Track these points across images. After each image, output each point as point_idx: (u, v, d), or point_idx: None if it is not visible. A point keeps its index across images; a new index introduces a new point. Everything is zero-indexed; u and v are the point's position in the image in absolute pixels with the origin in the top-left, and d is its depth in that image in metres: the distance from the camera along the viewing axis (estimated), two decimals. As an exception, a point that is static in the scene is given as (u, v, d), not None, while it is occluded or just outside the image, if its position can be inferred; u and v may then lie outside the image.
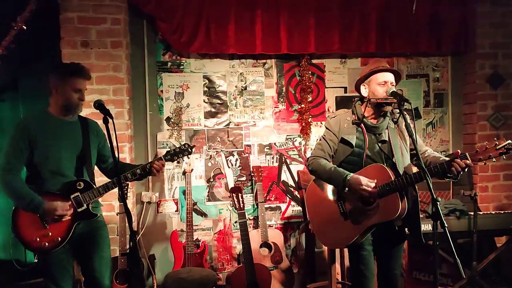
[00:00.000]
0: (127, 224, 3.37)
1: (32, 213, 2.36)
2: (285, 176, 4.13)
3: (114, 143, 2.19)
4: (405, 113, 2.36)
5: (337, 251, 3.43)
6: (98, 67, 3.53)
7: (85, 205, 2.45)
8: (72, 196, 2.43)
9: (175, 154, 2.63)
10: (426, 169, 2.24)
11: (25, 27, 3.21)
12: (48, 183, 2.42)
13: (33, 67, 3.56)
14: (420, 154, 2.29)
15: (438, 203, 2.07)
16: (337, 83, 4.20)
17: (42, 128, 2.43)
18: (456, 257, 1.95)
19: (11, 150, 2.40)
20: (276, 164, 4.12)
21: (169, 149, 2.69)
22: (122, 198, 2.07)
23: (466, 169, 2.27)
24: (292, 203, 4.14)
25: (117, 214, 3.47)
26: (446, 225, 2.01)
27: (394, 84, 2.53)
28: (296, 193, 4.12)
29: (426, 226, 3.16)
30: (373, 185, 2.38)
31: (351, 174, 2.44)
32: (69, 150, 2.47)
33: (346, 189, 2.45)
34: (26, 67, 3.58)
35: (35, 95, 3.55)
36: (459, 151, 2.32)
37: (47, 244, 2.36)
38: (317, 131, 4.13)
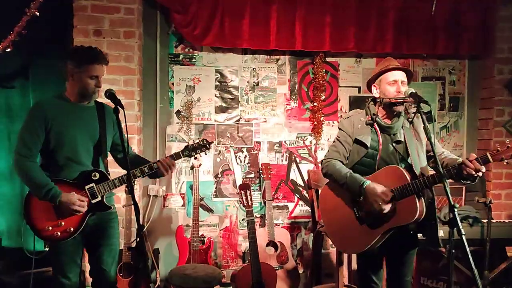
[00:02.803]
0: (133, 217, 3.35)
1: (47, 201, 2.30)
2: (294, 175, 4.07)
3: (125, 135, 2.13)
4: (423, 115, 2.28)
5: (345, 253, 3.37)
6: (109, 56, 3.32)
7: (99, 196, 2.39)
8: (87, 187, 2.37)
9: (194, 150, 2.58)
10: (445, 170, 2.18)
11: (38, 13, 3.18)
12: (63, 171, 2.36)
13: (45, 54, 3.53)
14: (437, 156, 2.21)
15: (455, 209, 2.00)
16: (351, 83, 4.12)
17: (58, 113, 2.36)
18: (473, 267, 1.88)
19: (28, 134, 2.32)
20: (285, 163, 4.05)
21: (187, 144, 2.63)
22: (131, 191, 2.01)
23: (478, 172, 2.19)
24: (300, 202, 4.08)
25: (123, 207, 3.44)
26: (464, 233, 1.94)
27: (406, 82, 2.47)
28: (304, 192, 4.06)
29: (439, 233, 3.08)
30: (389, 197, 2.31)
31: (368, 182, 2.36)
32: (85, 137, 2.41)
33: (362, 197, 2.38)
34: (38, 55, 3.55)
35: (45, 83, 3.53)
36: (474, 155, 2.25)
37: (59, 233, 2.31)
38: (329, 130, 4.07)
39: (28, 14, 3.18)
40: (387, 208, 2.31)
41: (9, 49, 3.21)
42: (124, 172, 2.49)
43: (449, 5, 3.94)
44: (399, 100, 2.39)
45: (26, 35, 3.19)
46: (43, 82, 3.54)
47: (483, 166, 2.20)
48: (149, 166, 2.45)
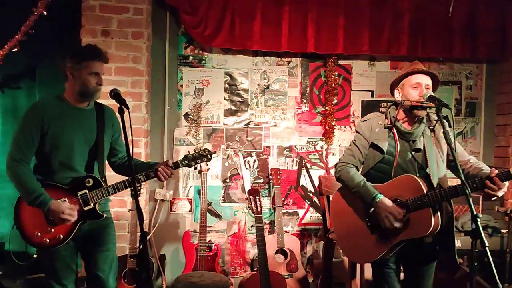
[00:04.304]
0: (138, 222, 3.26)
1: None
2: (304, 181, 3.96)
3: (129, 137, 2.04)
4: (443, 119, 2.17)
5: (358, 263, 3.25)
6: (117, 57, 3.43)
7: (92, 204, 2.30)
8: (79, 193, 2.29)
9: (194, 160, 2.47)
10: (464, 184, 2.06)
11: (45, 13, 3.14)
12: (57, 176, 2.29)
13: (52, 55, 3.46)
14: (460, 166, 2.09)
15: (478, 220, 1.88)
16: (364, 86, 4.01)
17: (55, 115, 2.28)
18: (498, 281, 1.76)
19: (23, 137, 2.25)
20: (295, 168, 3.95)
21: (187, 153, 2.52)
22: (135, 196, 1.92)
23: (500, 190, 2.10)
24: (311, 209, 3.96)
25: (128, 211, 3.36)
26: (488, 245, 1.83)
27: (430, 87, 2.35)
28: (315, 199, 3.94)
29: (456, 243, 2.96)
30: (401, 216, 2.22)
31: (381, 196, 2.26)
32: (81, 141, 2.33)
33: (372, 209, 2.28)
34: (45, 55, 3.50)
35: (52, 84, 3.46)
36: (495, 170, 2.12)
37: (48, 240, 2.23)
38: (341, 135, 3.96)
39: (35, 13, 3.14)
40: (397, 225, 2.23)
41: (16, 49, 3.17)
42: (120, 178, 2.42)
43: (466, 8, 3.83)
44: (420, 104, 2.27)
45: (33, 35, 3.15)
46: (50, 82, 3.49)
47: (505, 183, 2.10)
48: (145, 174, 2.37)
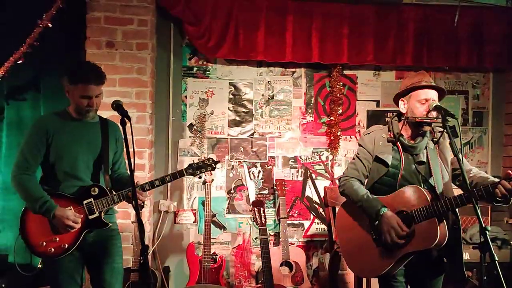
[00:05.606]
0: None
1: (42, 216, 2.24)
2: (309, 192, 3.91)
3: (131, 149, 2.02)
4: (449, 130, 2.13)
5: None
6: (122, 68, 3.43)
7: (97, 212, 2.31)
8: (84, 202, 2.31)
9: (198, 168, 2.49)
10: (469, 192, 2.01)
11: (50, 25, 3.16)
12: (62, 185, 2.32)
13: (56, 67, 3.47)
14: (466, 175, 2.05)
15: (487, 232, 1.84)
16: (370, 96, 3.99)
17: (60, 128, 2.33)
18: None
19: (28, 148, 2.31)
20: (300, 179, 3.91)
21: (191, 162, 2.53)
22: (136, 208, 1.90)
23: None
24: (316, 220, 3.92)
25: (132, 223, 3.33)
26: (497, 259, 1.78)
27: (436, 100, 2.31)
28: (321, 210, 3.90)
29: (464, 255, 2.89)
30: (404, 232, 2.18)
31: (386, 209, 2.22)
32: (86, 152, 2.37)
33: (377, 222, 2.24)
34: (50, 67, 3.50)
35: (56, 95, 3.45)
36: (510, 172, 2.07)
37: (52, 249, 2.24)
38: (346, 145, 3.93)
39: (40, 25, 3.16)
40: (399, 241, 2.18)
41: (21, 61, 3.19)
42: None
43: (472, 16, 3.81)
44: (427, 121, 2.24)
45: (38, 46, 3.17)
46: (55, 94, 3.47)
47: None
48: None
